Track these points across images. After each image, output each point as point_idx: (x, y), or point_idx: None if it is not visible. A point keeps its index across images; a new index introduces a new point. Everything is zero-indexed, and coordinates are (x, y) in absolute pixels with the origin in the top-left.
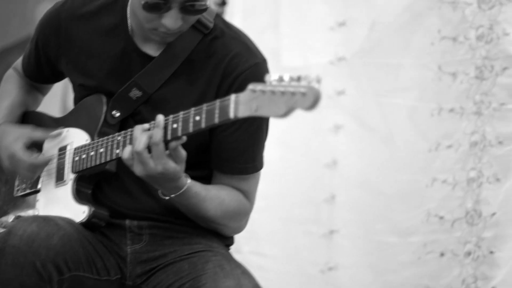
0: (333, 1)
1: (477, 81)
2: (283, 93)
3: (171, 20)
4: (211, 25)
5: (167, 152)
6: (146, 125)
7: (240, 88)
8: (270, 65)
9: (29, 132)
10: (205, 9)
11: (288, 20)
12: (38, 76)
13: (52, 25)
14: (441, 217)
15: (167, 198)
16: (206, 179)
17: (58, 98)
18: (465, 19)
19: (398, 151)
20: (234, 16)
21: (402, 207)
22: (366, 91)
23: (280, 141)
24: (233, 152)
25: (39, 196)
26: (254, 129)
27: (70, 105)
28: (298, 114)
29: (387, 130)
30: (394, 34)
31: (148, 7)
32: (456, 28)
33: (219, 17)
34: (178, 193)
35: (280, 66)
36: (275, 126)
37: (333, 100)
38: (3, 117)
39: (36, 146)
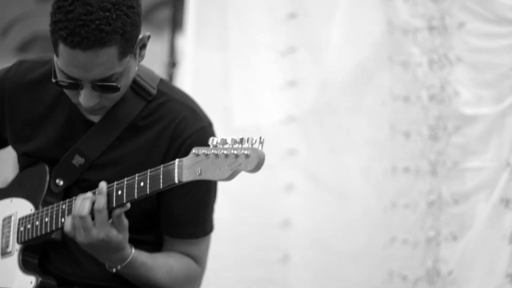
0: (283, 61)
1: (430, 140)
2: (226, 155)
3: (85, 99)
4: (154, 91)
5: (110, 220)
6: (89, 193)
7: (187, 152)
8: (222, 125)
9: None
10: (117, 89)
11: (238, 80)
12: None
13: None
14: (404, 277)
15: (114, 270)
16: (155, 244)
17: (12, 159)
18: (416, 79)
19: (352, 209)
20: (186, 76)
21: (359, 266)
22: (318, 150)
23: (232, 201)
24: (182, 217)
25: None
26: (203, 194)
27: None
28: (250, 174)
29: (340, 189)
30: (345, 93)
31: (62, 86)
32: (408, 88)
33: (163, 82)
34: (123, 264)
35: (232, 126)
36: (227, 185)
37: (284, 159)
38: None
39: None
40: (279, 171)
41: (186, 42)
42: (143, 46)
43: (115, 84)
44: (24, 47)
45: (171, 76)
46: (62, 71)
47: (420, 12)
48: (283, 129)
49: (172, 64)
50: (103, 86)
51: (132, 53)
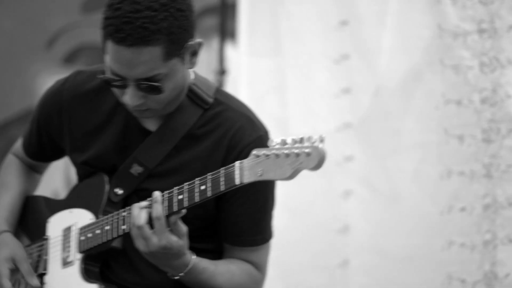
0: (336, 68)
1: (484, 144)
2: (287, 155)
3: (129, 97)
4: (210, 100)
5: (168, 228)
6: (144, 203)
7: None
8: (277, 135)
9: (19, 261)
10: (161, 90)
11: (292, 88)
12: (40, 155)
13: (53, 104)
14: (463, 280)
15: (176, 278)
16: (215, 252)
17: (60, 170)
18: (467, 82)
19: (408, 214)
20: (238, 84)
21: (417, 270)
22: (374, 156)
23: (291, 208)
24: (242, 225)
25: (46, 279)
26: (262, 201)
27: (73, 177)
28: (308, 181)
29: (396, 194)
30: (398, 98)
31: (106, 83)
32: (460, 92)
33: (220, 91)
34: (185, 270)
35: (287, 134)
36: (284, 194)
37: (341, 166)
38: (4, 220)
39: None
40: (337, 177)
41: (238, 50)
42: (194, 53)
43: (158, 84)
44: (70, 58)
45: (220, 84)
46: (110, 69)
47: (470, 15)
48: (339, 136)
49: (221, 72)
50: (146, 86)
51: (178, 56)
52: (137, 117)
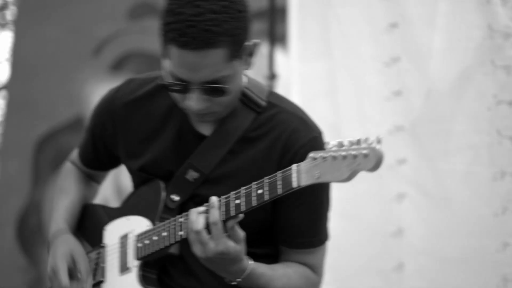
0: (387, 71)
1: None
2: (344, 157)
3: (193, 102)
4: (263, 103)
5: (226, 233)
6: (201, 208)
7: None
8: (329, 139)
9: (78, 256)
10: (225, 92)
11: (343, 92)
12: (96, 164)
13: (107, 112)
14: None
15: (234, 283)
16: (271, 257)
17: (110, 177)
18: None
19: (462, 216)
20: (289, 89)
21: (472, 273)
22: (425, 158)
23: (345, 212)
24: (298, 227)
25: (104, 287)
26: (318, 203)
27: (123, 185)
28: (361, 185)
29: (450, 196)
30: (450, 100)
31: (171, 89)
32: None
33: (272, 93)
34: (243, 276)
35: (340, 138)
36: (337, 198)
37: (394, 169)
38: (64, 220)
39: (94, 233)
40: (390, 181)
41: (288, 54)
42: (251, 54)
43: (224, 86)
44: (117, 65)
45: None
46: (172, 74)
47: None
48: (391, 139)
49: (272, 76)
50: (211, 88)
51: (239, 57)
52: (193, 122)
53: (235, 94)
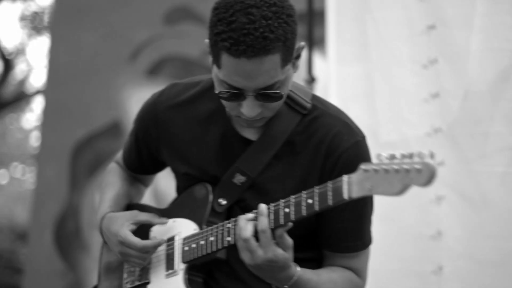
0: (425, 73)
1: None
2: (397, 171)
3: (248, 109)
4: (308, 105)
5: (274, 241)
6: (250, 215)
7: (344, 166)
8: (368, 140)
9: (135, 215)
10: (281, 97)
11: (381, 94)
12: (140, 168)
13: (150, 117)
14: None
15: None
16: (314, 261)
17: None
18: None
19: (498, 219)
20: (327, 92)
21: (510, 275)
22: (462, 161)
23: (383, 215)
24: (342, 231)
25: None
26: (361, 206)
27: (161, 189)
28: None
29: (488, 198)
30: (488, 101)
31: (225, 97)
32: None
33: (316, 97)
34: (290, 283)
35: (379, 141)
36: (376, 201)
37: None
38: (108, 207)
39: (141, 236)
40: None
41: (327, 58)
42: (298, 56)
43: (279, 91)
44: (153, 70)
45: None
46: (224, 82)
47: None
48: (429, 141)
49: (311, 80)
50: (266, 94)
51: (291, 61)
52: (237, 127)
53: (283, 100)
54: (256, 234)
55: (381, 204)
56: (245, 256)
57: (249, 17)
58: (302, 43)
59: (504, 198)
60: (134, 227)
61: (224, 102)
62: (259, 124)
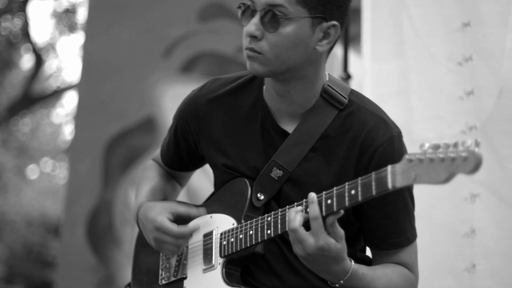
0: (460, 70)
1: None
2: (442, 159)
3: (251, 24)
4: (345, 100)
5: (325, 231)
6: (299, 207)
7: (380, 161)
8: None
9: (173, 206)
10: (278, 22)
11: (417, 91)
12: (178, 164)
13: (191, 111)
14: None
15: (337, 286)
16: (354, 257)
17: None
18: None
19: None
20: (363, 89)
21: None
22: (496, 159)
23: (416, 214)
24: (385, 228)
25: (187, 283)
26: (402, 202)
27: (194, 187)
28: (433, 186)
29: None
30: None
31: (240, 14)
32: None
33: (354, 92)
34: (346, 277)
35: (413, 138)
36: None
37: None
38: (145, 197)
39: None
40: (462, 181)
41: (362, 55)
42: (327, 35)
43: (280, 14)
44: (188, 66)
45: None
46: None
47: None
48: (464, 139)
49: (346, 77)
50: (269, 16)
51: (309, 15)
52: (276, 118)
53: (286, 49)
54: (307, 223)
55: (416, 201)
56: (297, 248)
57: None
58: (334, 22)
59: None
60: (171, 216)
61: (243, 35)
62: (257, 64)
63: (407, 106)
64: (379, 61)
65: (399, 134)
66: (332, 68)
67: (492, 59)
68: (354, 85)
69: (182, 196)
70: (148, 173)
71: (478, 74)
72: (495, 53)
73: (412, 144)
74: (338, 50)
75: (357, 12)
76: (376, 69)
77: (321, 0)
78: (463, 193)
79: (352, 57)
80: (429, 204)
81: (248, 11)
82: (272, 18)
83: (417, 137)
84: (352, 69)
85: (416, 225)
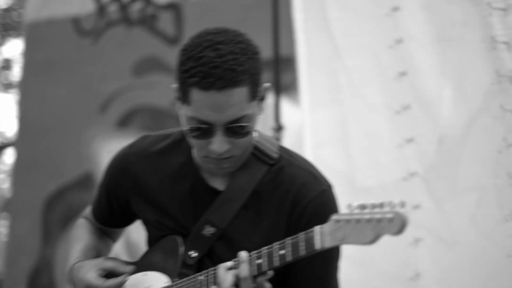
0: (398, 118)
1: None
2: (368, 220)
3: (217, 144)
4: (275, 156)
5: None
6: (229, 263)
7: (311, 215)
8: (344, 187)
9: (102, 262)
10: (248, 132)
11: (355, 141)
12: (110, 221)
13: (120, 167)
14: None
15: None
16: None
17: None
18: None
19: (471, 259)
20: (294, 138)
21: None
22: (436, 202)
23: (361, 260)
24: (310, 281)
25: None
26: (330, 255)
27: (133, 241)
28: None
29: (467, 240)
30: (462, 145)
31: (194, 134)
32: None
33: (282, 147)
34: None
35: (355, 187)
36: (354, 246)
37: (410, 215)
38: (77, 258)
39: None
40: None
41: (299, 104)
42: (262, 99)
43: (247, 124)
44: (124, 121)
45: (277, 140)
46: (194, 118)
47: None
48: (406, 185)
49: (278, 127)
50: (234, 129)
51: (257, 98)
52: (206, 177)
53: (251, 140)
54: (236, 283)
55: (359, 249)
56: None
57: (218, 52)
58: (268, 84)
59: (474, 238)
60: (102, 272)
61: (193, 142)
62: (227, 165)
63: (348, 155)
64: (316, 110)
65: (329, 188)
66: (265, 117)
67: (430, 107)
68: (288, 134)
69: (122, 252)
70: (79, 232)
71: (418, 122)
72: (434, 101)
73: (355, 193)
74: (269, 99)
75: (290, 61)
76: (314, 118)
77: (259, 78)
78: (406, 238)
79: (287, 106)
80: (374, 251)
81: (206, 130)
82: (239, 128)
83: (359, 185)
84: (285, 119)
85: (361, 273)
